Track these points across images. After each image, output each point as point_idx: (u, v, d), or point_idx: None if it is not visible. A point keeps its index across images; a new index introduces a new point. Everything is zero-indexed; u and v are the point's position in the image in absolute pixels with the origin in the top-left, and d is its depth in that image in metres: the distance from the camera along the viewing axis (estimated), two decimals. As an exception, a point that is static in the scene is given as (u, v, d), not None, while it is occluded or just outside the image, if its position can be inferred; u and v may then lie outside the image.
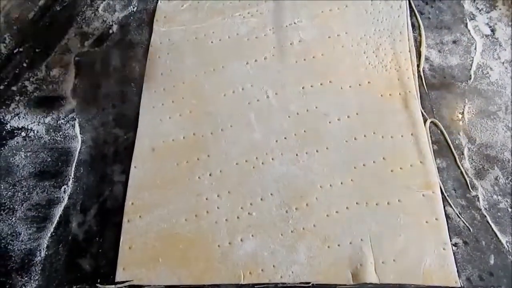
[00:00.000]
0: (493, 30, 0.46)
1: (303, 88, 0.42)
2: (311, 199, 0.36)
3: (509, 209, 0.35)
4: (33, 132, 0.39)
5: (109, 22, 0.46)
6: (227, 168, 0.37)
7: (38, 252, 0.34)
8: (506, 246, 0.33)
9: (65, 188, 0.36)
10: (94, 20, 0.47)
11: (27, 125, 0.40)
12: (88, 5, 0.48)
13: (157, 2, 0.48)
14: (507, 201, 0.35)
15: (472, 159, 0.38)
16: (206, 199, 0.36)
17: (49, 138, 0.39)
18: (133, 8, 0.48)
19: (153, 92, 0.42)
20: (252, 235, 0.34)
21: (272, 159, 0.38)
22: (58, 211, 0.36)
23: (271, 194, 0.36)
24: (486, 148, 0.38)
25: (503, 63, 0.43)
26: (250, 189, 0.36)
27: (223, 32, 0.46)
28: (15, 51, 0.45)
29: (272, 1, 0.48)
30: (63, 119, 0.40)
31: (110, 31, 0.46)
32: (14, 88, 0.42)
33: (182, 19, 0.47)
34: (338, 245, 0.34)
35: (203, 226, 0.35)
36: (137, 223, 0.35)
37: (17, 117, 0.40)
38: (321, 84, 0.42)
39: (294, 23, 0.46)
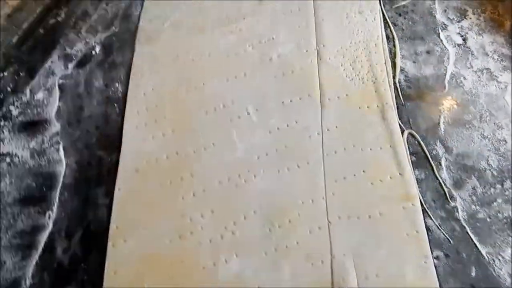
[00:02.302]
0: (464, 39, 0.41)
1: (282, 103, 0.37)
2: (293, 215, 0.31)
3: (488, 219, 0.31)
4: (18, 158, 0.34)
5: (91, 44, 0.41)
6: (210, 187, 0.32)
7: (23, 281, 0.29)
8: (486, 257, 0.29)
9: (49, 214, 0.31)
10: (77, 42, 0.41)
11: (12, 151, 0.34)
12: (71, 27, 0.42)
13: (138, 22, 0.43)
14: (485, 210, 0.31)
15: (450, 169, 0.33)
16: (190, 219, 0.31)
17: (33, 163, 0.34)
18: (115, 28, 0.42)
19: (136, 112, 0.36)
20: (236, 255, 0.30)
21: (254, 176, 0.33)
22: (43, 237, 0.31)
23: (254, 212, 0.31)
24: (463, 158, 0.34)
25: (475, 71, 0.39)
26: (233, 207, 0.32)
27: (203, 49, 0.40)
28: (-1, 76, 0.40)
29: (251, 18, 0.42)
30: (48, 142, 0.35)
31: (93, 52, 0.40)
32: (-2, 113, 0.37)
33: (163, 38, 0.41)
34: (322, 262, 0.29)
35: (187, 247, 0.30)
36: (121, 247, 0.31)
37: (1, 143, 0.35)
38: (300, 99, 0.37)
39: (272, 38, 0.41)
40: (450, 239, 0.30)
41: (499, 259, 0.29)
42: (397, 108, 0.36)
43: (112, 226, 0.31)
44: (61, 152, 0.34)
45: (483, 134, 0.35)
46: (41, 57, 0.40)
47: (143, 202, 0.32)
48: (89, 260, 0.30)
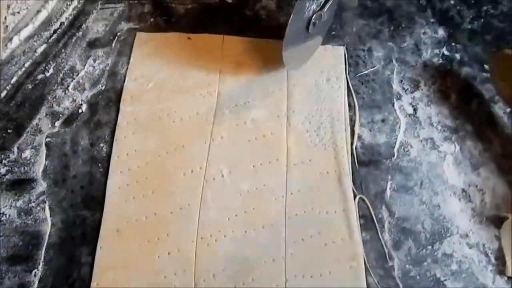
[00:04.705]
0: (415, 110, 0.50)
1: (253, 166, 0.45)
2: (256, 274, 0.39)
3: (418, 277, 0.40)
4: (5, 216, 0.40)
5: (78, 101, 0.47)
6: (184, 247, 0.40)
7: (10, 338, 0.35)
8: (414, 312, 0.38)
9: (35, 272, 0.37)
10: (64, 99, 0.47)
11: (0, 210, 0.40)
12: (58, 83, 0.48)
13: (124, 81, 0.49)
14: (416, 269, 0.40)
15: (391, 232, 0.42)
16: (165, 277, 0.38)
17: (20, 222, 0.40)
18: (102, 86, 0.48)
19: (119, 173, 0.43)
20: (205, 310, 0.37)
21: (224, 236, 0.41)
22: (30, 294, 0.37)
23: (222, 270, 0.39)
24: (403, 221, 0.43)
25: (421, 141, 0.48)
26: (204, 266, 0.39)
27: (184, 111, 0.48)
28: (-13, 132, 0.45)
29: (229, 81, 0.50)
30: (34, 202, 0.41)
31: (80, 111, 0.47)
32: (-14, 171, 0.43)
33: (147, 98, 0.48)
34: (278, 316, 0.37)
35: (162, 303, 0.37)
36: (102, 302, 0.37)
37: (-11, 201, 0.41)
38: (269, 163, 0.45)
39: (248, 102, 0.49)
40: (386, 296, 0.38)
41: (424, 314, 0.37)
42: (352, 173, 0.45)
43: (93, 284, 0.38)
44: (47, 211, 0.40)
45: (421, 200, 0.44)
46: (29, 114, 0.46)
47: (122, 261, 0.39)
48: (73, 315, 0.36)
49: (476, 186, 0.45)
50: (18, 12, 0.55)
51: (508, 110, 0.50)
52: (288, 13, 0.54)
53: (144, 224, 0.41)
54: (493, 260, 0.41)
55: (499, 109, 0.51)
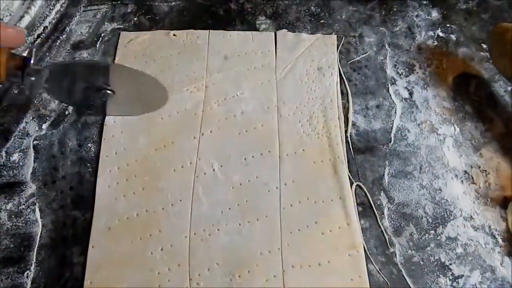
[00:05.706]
0: (411, 93, 0.57)
1: (245, 159, 0.51)
2: (252, 266, 0.44)
3: (421, 262, 0.44)
4: (-4, 220, 0.46)
5: (64, 104, 0.54)
6: (177, 242, 0.45)
7: None
8: (417, 296, 0.42)
9: (28, 273, 0.43)
10: (50, 102, 0.54)
11: (-10, 213, 0.46)
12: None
13: (110, 81, 0.56)
14: (419, 255, 0.45)
15: (391, 218, 0.47)
16: (158, 273, 0.43)
17: (11, 224, 0.46)
18: (88, 88, 0.56)
19: (108, 172, 0.49)
20: (201, 304, 0.42)
21: (218, 230, 0.46)
22: (22, 296, 0.42)
23: (217, 264, 0.44)
24: (403, 207, 0.48)
25: (418, 124, 0.54)
26: (198, 260, 0.44)
27: (172, 107, 0.54)
28: (-26, 138, 0.52)
29: (216, 75, 0.57)
30: (24, 204, 0.47)
31: (66, 112, 0.53)
32: (-25, 177, 0.49)
33: (134, 97, 0.55)
34: (276, 307, 0.42)
35: (156, 299, 0.42)
36: (96, 301, 0.42)
37: (-21, 206, 0.47)
38: (261, 154, 0.51)
39: (237, 95, 0.56)
40: (388, 282, 0.43)
41: (428, 298, 0.41)
42: (348, 161, 0.50)
43: (86, 282, 0.43)
44: (37, 213, 0.46)
45: (421, 184, 0.49)
46: (15, 118, 0.52)
47: (115, 258, 0.44)
48: (66, 316, 0.41)
49: (479, 167, 0.51)
50: (1, 19, 0.64)
51: (510, 88, 0.56)
52: (275, 4, 0.63)
53: (136, 221, 0.46)
54: (500, 241, 0.46)
55: (500, 88, 0.57)
